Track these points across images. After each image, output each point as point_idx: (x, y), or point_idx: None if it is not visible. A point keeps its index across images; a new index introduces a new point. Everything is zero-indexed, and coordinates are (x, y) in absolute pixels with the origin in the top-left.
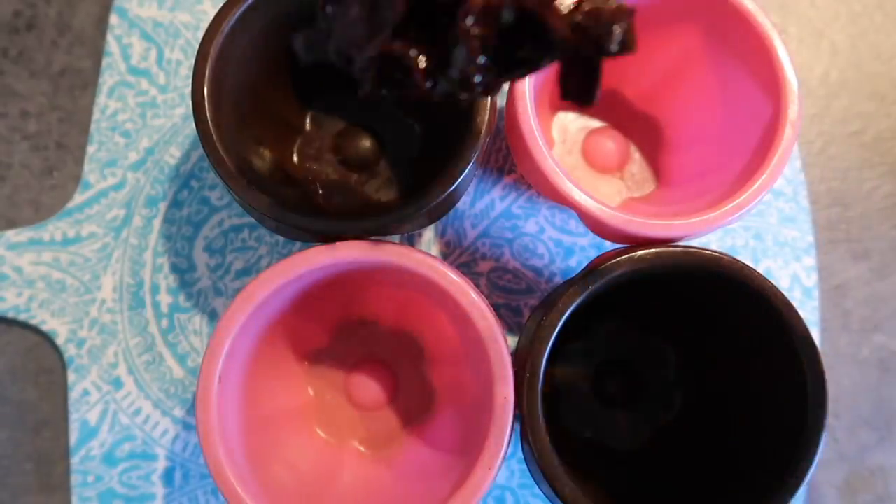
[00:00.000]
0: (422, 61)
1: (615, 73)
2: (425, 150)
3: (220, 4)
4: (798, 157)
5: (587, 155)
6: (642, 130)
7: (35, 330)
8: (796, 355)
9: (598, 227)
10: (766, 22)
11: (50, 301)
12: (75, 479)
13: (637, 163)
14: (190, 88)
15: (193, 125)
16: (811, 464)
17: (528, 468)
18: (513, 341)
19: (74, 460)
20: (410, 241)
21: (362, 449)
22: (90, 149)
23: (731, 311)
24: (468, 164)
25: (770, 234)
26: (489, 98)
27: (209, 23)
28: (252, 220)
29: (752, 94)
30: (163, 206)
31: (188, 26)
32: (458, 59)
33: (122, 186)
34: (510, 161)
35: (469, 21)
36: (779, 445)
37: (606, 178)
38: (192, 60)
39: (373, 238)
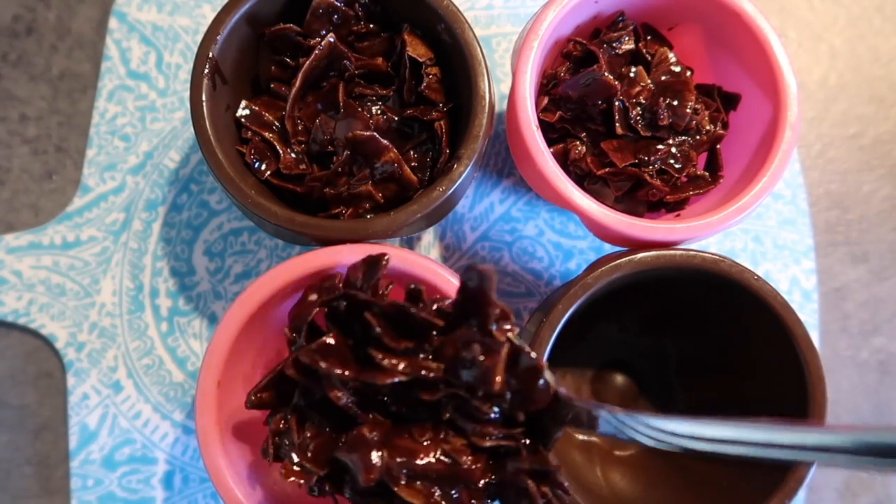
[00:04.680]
0: None
1: None
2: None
3: (220, 8)
4: (797, 160)
5: None
6: None
7: (34, 334)
8: (796, 358)
9: (600, 230)
10: (766, 26)
11: (49, 305)
12: (75, 482)
13: None
14: (189, 92)
15: (193, 129)
16: (811, 466)
17: None
18: None
19: (74, 464)
20: (410, 245)
21: None
22: (89, 152)
23: (731, 313)
24: (467, 167)
25: (769, 236)
26: (487, 101)
27: (208, 26)
28: (251, 223)
29: (751, 97)
30: (162, 209)
31: (187, 30)
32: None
33: (121, 190)
34: (509, 164)
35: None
36: None
37: None
38: (192, 64)
39: (372, 241)
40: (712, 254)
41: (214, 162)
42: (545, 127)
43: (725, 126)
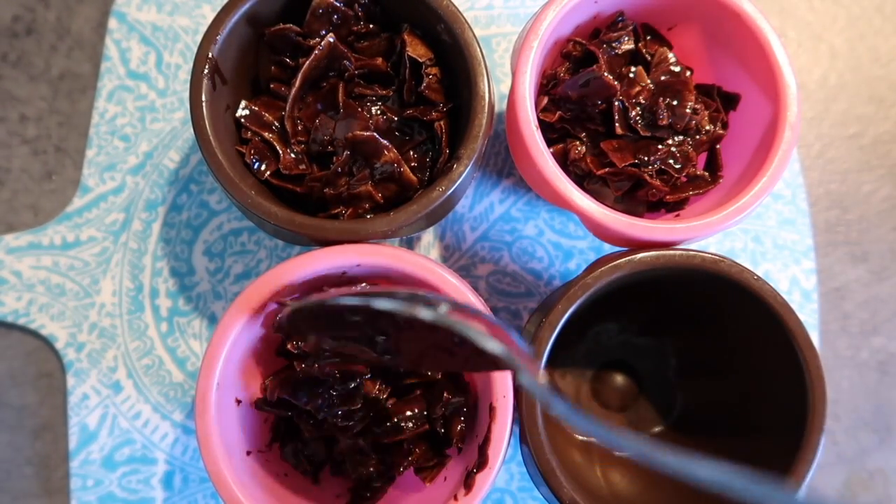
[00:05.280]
0: None
1: None
2: None
3: (220, 8)
4: (797, 160)
5: None
6: None
7: (34, 334)
8: (796, 358)
9: (599, 230)
10: (766, 25)
11: (49, 305)
12: (75, 482)
13: None
14: (189, 92)
15: (192, 129)
16: (811, 466)
17: (528, 470)
18: None
19: (74, 464)
20: (409, 245)
21: None
22: (89, 153)
23: (731, 313)
24: (467, 167)
25: (769, 236)
26: (487, 101)
27: (208, 26)
28: (251, 223)
29: (751, 97)
30: (162, 210)
31: (187, 30)
32: None
33: (121, 190)
34: (509, 164)
35: None
36: (778, 448)
37: None
38: (192, 64)
39: (372, 242)
40: (712, 254)
41: (214, 162)
42: (545, 127)
43: (725, 126)
